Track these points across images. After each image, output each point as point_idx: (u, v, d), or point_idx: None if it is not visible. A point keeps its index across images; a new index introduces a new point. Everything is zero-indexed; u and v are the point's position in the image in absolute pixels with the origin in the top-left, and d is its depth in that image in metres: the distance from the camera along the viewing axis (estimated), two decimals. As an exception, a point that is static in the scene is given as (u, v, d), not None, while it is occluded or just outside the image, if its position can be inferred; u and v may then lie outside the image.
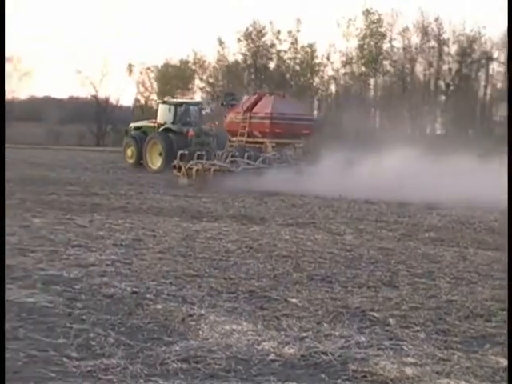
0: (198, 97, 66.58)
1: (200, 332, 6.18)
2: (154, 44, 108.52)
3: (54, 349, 5.61)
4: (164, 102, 33.53)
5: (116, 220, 13.00)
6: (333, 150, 22.38)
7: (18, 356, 5.43)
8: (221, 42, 67.67)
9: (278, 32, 64.76)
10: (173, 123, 31.01)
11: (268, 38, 65.43)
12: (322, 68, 64.91)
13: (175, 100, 36.33)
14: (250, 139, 28.56)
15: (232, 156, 24.78)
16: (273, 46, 65.63)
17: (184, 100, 37.07)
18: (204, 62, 71.03)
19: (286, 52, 65.46)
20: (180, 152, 24.77)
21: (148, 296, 7.37)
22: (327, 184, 19.27)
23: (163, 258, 9.46)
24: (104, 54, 73.93)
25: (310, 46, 64.10)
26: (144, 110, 66.79)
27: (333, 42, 62.96)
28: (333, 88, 65.79)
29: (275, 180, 20.72)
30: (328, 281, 8.37)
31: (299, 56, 65.00)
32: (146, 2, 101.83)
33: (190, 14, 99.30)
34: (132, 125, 34.03)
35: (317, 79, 66.01)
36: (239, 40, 66.18)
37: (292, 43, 64.56)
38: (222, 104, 31.11)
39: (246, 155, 24.67)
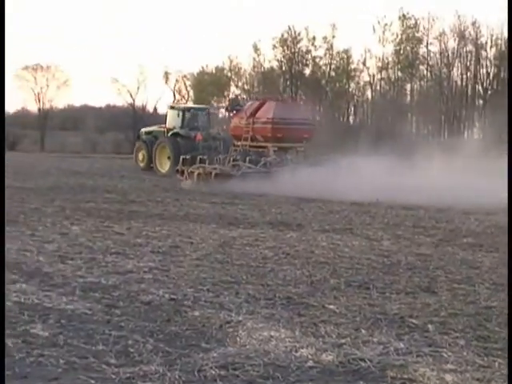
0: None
1: (238, 339, 6.19)
2: (190, 51, 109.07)
3: (94, 355, 5.65)
4: (172, 108, 34.40)
5: (153, 227, 13.07)
6: (367, 155, 22.35)
7: (58, 363, 5.47)
8: (256, 49, 67.81)
9: (314, 38, 64.73)
10: (181, 128, 31.92)
11: (303, 44, 65.42)
12: (357, 73, 64.76)
13: (183, 105, 37.20)
14: (254, 143, 29.65)
15: (234, 160, 25.64)
16: (308, 52, 65.58)
17: (191, 105, 37.78)
18: (240, 68, 71.23)
19: (321, 58, 65.40)
20: (182, 157, 25.70)
21: (186, 303, 7.40)
22: (363, 189, 19.24)
23: (200, 265, 9.49)
24: (140, 62, 74.33)
25: (346, 51, 63.99)
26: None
27: (369, 47, 62.82)
28: (369, 93, 65.59)
29: (274, 183, 21.41)
30: (366, 287, 8.33)
31: (335, 62, 64.89)
32: (182, 10, 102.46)
33: (225, 20, 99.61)
34: (143, 130, 34.91)
35: (352, 85, 65.87)
36: (274, 46, 66.26)
37: (327, 49, 64.49)
38: (227, 109, 32.69)
39: (247, 159, 25.55)
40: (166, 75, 72.43)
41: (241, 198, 19.45)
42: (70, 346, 5.87)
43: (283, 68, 66.64)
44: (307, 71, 66.86)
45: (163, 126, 33.44)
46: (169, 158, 31.02)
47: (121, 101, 75.89)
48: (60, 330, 6.29)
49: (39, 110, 70.91)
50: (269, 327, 6.53)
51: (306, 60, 66.18)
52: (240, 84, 71.89)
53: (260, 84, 69.51)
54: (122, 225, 13.31)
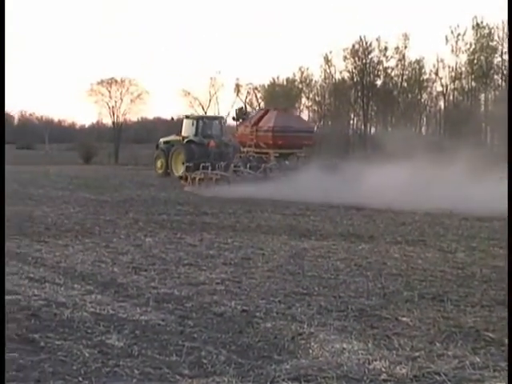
0: (304, 115, 66.75)
1: (310, 350, 6.17)
2: (261, 63, 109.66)
3: (168, 366, 5.70)
4: (187, 117, 36.99)
5: (225, 239, 13.14)
6: (440, 165, 22.10)
7: (133, 373, 5.54)
8: (327, 60, 67.75)
9: (385, 48, 64.41)
10: (195, 135, 34.43)
11: (375, 55, 65.14)
12: (430, 84, 64.11)
13: (197, 115, 40.12)
14: (257, 150, 32.40)
15: (235, 166, 28.08)
16: (380, 62, 65.27)
17: (205, 115, 41.15)
18: (311, 80, 71.25)
19: (393, 69, 64.98)
20: (186, 164, 29.69)
21: (258, 314, 7.41)
22: (435, 199, 19.05)
23: (272, 277, 9.50)
24: (211, 75, 74.79)
25: (418, 61, 63.45)
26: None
27: (441, 57, 62.09)
28: (441, 104, 64.84)
29: (269, 187, 23.51)
30: (439, 299, 8.21)
31: (407, 72, 64.40)
32: (253, 23, 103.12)
33: (296, 31, 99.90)
34: (162, 140, 37.10)
35: (425, 95, 65.23)
36: (346, 57, 66.09)
37: (399, 59, 64.07)
38: (234, 118, 35.45)
39: (248, 165, 28.21)
40: (238, 87, 72.93)
41: (312, 210, 19.41)
42: (144, 357, 5.94)
43: (354, 79, 66.42)
44: (379, 82, 66.51)
45: (180, 135, 35.78)
46: (183, 163, 32.61)
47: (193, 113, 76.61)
48: (134, 341, 6.37)
49: (113, 123, 72.22)
50: (341, 339, 6.49)
51: (378, 71, 65.85)
52: (311, 95, 71.94)
53: (331, 95, 69.40)
54: (195, 236, 13.42)
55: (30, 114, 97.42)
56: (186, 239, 13.02)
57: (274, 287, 8.79)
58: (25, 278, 9.04)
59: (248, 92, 74.48)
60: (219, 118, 37.24)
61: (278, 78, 73.61)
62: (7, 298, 7.79)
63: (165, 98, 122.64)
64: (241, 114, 34.99)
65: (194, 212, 18.33)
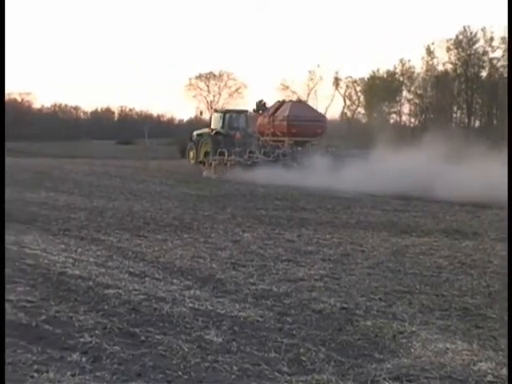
0: (405, 109, 65.91)
1: (412, 350, 6.10)
2: (360, 56, 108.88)
3: (266, 363, 5.74)
4: (216, 111, 41.32)
5: (324, 235, 13.12)
6: None
7: (232, 369, 5.60)
8: (429, 51, 66.72)
9: (491, 39, 62.94)
10: (222, 128, 37.76)
11: (480, 46, 63.75)
12: (538, 74, 62.26)
13: (224, 109, 43.67)
14: (274, 138, 36.12)
15: (250, 152, 32.09)
16: (485, 53, 63.86)
17: (231, 109, 43.46)
18: (412, 72, 70.29)
19: (499, 59, 63.43)
20: (204, 150, 35.96)
21: (357, 312, 7.38)
22: None
23: (372, 274, 9.44)
24: (309, 68, 74.76)
25: (526, 51, 61.71)
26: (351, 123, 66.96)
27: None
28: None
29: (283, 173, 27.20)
30: (548, 299, 7.99)
31: (513, 63, 62.71)
32: (351, 13, 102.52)
33: (397, 22, 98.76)
34: (195, 132, 40.52)
35: (533, 86, 63.38)
36: (449, 48, 64.93)
37: (506, 50, 62.43)
38: (254, 110, 38.71)
39: (262, 151, 32.71)
40: (336, 81, 72.63)
41: (414, 205, 19.19)
42: (242, 353, 5.99)
43: (458, 71, 65.20)
44: (483, 73, 65.08)
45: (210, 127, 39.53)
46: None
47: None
48: (233, 337, 6.43)
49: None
50: (444, 339, 6.40)
51: (483, 62, 64.43)
52: (412, 88, 70.98)
53: (433, 88, 68.33)
54: (293, 232, 13.44)
55: (130, 110, 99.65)
56: (285, 235, 13.05)
57: (374, 284, 8.74)
58: (125, 272, 9.24)
59: (347, 85, 74.07)
60: (244, 112, 40.15)
61: (377, 70, 72.94)
62: (109, 291, 8.02)
63: (263, 91, 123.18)
64: (261, 106, 38.11)
65: (293, 207, 18.36)
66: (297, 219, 15.65)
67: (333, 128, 52.10)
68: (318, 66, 74.05)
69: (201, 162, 34.19)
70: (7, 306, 7.22)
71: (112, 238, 12.15)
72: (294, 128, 36.08)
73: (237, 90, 78.34)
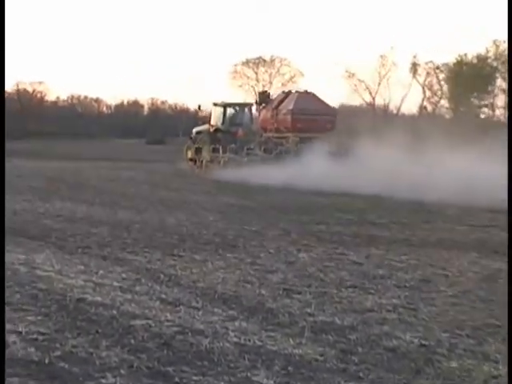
0: (500, 100, 65.18)
1: (508, 399, 6.05)
2: (444, 37, 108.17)
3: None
4: (215, 105, 41.19)
5: (398, 255, 13.05)
6: None
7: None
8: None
9: None
10: (222, 124, 38.75)
11: None
12: None
13: (225, 102, 42.72)
14: (277, 134, 37.27)
15: (248, 149, 34.04)
16: None
17: (233, 102, 43.13)
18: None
19: None
20: (195, 146, 37.89)
21: (439, 350, 7.34)
22: None
23: (458, 304, 9.38)
24: (381, 52, 74.33)
25: None
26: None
27: None
28: None
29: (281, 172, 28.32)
30: None
31: None
32: None
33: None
34: (194, 130, 41.83)
35: None
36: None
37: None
38: (256, 103, 40.13)
39: (262, 148, 34.54)
40: (414, 67, 72.21)
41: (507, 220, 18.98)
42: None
43: None
44: None
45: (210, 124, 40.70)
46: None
47: (357, 99, 76.30)
48: (287, 379, 6.43)
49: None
50: None
51: None
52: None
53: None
54: (360, 252, 13.39)
55: (162, 102, 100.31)
56: (349, 256, 13.01)
57: (461, 317, 8.68)
58: (156, 299, 9.29)
59: (428, 72, 73.52)
60: (249, 105, 40.81)
61: (465, 55, 72.30)
62: (136, 322, 8.07)
63: (323, 80, 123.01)
64: (264, 98, 39.38)
65: (358, 221, 18.29)
66: (364, 236, 15.60)
67: (408, 125, 51.65)
68: (392, 48, 73.86)
69: (191, 159, 36.38)
70: (15, 338, 7.31)
71: (140, 257, 12.23)
72: (299, 122, 37.22)
73: (291, 78, 78.28)
